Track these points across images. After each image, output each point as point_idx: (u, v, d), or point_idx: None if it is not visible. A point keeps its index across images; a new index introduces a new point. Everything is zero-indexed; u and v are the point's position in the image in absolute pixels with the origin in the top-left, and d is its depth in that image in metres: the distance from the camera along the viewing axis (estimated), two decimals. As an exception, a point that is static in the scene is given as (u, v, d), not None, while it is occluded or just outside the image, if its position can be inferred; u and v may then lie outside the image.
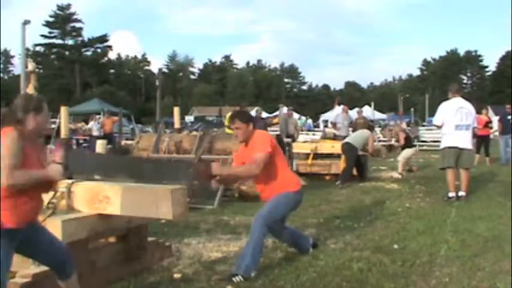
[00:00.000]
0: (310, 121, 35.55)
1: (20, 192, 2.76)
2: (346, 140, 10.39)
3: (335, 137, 14.54)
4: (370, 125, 11.60)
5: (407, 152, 11.35)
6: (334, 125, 15.58)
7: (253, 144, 4.22)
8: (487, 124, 14.41)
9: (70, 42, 78.55)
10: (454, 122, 7.63)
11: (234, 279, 3.86)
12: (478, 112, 11.85)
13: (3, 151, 2.71)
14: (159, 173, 3.49)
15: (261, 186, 4.34)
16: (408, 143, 11.73)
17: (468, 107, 7.78)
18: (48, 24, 76.42)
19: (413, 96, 68.29)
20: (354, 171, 10.49)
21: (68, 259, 3.06)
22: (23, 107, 2.84)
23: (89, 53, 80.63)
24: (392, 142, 12.09)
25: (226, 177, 4.29)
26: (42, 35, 75.86)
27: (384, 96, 79.81)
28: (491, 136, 15.20)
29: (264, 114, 23.11)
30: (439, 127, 8.03)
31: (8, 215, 2.74)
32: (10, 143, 2.74)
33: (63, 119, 11.81)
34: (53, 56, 79.01)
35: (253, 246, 4.00)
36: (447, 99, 7.99)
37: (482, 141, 13.95)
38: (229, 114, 12.52)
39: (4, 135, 2.75)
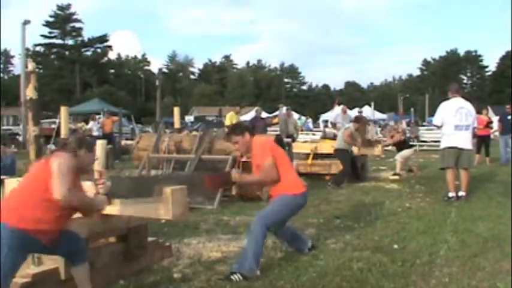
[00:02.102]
0: (310, 121, 35.51)
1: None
2: (335, 146, 10.23)
3: (335, 137, 14.54)
4: (356, 117, 11.31)
5: (405, 152, 11.31)
6: (334, 125, 15.57)
7: (255, 153, 4.36)
8: (488, 124, 14.41)
9: (70, 42, 78.53)
10: (454, 122, 7.62)
11: (232, 277, 3.87)
12: (479, 112, 11.85)
13: (64, 169, 3.04)
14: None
15: (270, 188, 4.51)
16: (404, 145, 11.63)
17: (468, 107, 7.77)
18: (48, 24, 76.40)
19: (413, 96, 68.32)
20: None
21: (79, 247, 3.29)
22: (79, 143, 3.29)
23: (89, 53, 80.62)
24: (389, 141, 12.04)
25: (246, 184, 4.55)
26: (42, 35, 76.00)
27: (384, 96, 79.84)
28: (492, 136, 15.20)
29: (264, 114, 23.11)
30: (439, 127, 8.03)
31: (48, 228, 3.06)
32: (70, 165, 3.10)
33: (63, 119, 11.82)
34: (53, 56, 78.97)
35: (255, 246, 4.02)
36: (447, 99, 7.98)
37: (482, 141, 13.96)
38: (229, 114, 12.61)
39: (64, 157, 3.12)
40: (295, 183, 4.38)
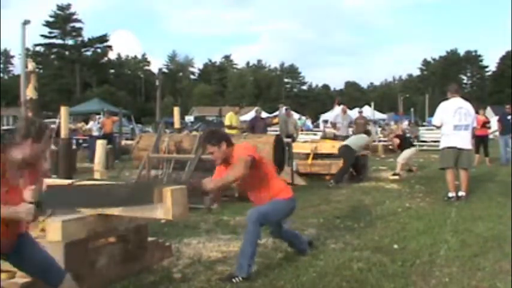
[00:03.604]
0: (309, 122, 35.44)
1: None
2: (345, 142, 10.39)
3: (335, 137, 14.54)
4: (367, 130, 11.55)
5: (406, 153, 11.32)
6: (334, 125, 15.58)
7: (235, 157, 4.09)
8: (485, 124, 14.40)
9: (70, 42, 78.58)
10: (453, 122, 7.62)
11: (233, 279, 3.86)
12: (476, 112, 11.86)
13: None
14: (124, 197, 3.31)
15: (252, 196, 4.32)
16: (404, 145, 11.67)
17: (467, 107, 7.78)
18: (48, 24, 76.43)
19: (413, 96, 68.36)
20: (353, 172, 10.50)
21: (50, 269, 2.85)
22: (22, 132, 2.61)
23: (89, 53, 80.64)
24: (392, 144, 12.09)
25: (218, 190, 4.22)
26: (42, 35, 76.06)
27: (384, 96, 79.87)
28: (491, 136, 15.19)
29: (264, 114, 23.08)
30: (438, 127, 8.04)
31: None
32: None
33: (63, 119, 11.82)
34: (53, 56, 79.01)
35: (250, 244, 4.00)
36: (446, 99, 7.99)
37: (480, 141, 13.96)
38: (228, 114, 12.62)
39: None
40: (283, 188, 4.35)
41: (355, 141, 10.34)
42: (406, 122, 27.89)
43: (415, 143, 20.53)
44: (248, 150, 4.15)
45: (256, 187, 4.24)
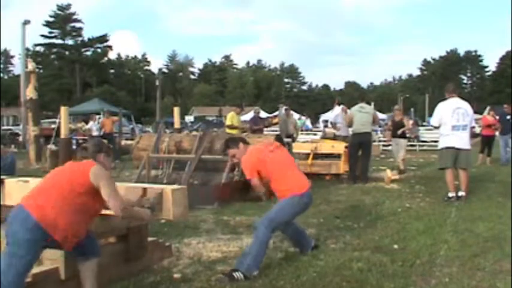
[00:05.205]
0: (308, 122, 35.36)
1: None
2: (361, 130, 10.13)
3: (335, 137, 14.52)
4: (361, 94, 11.69)
5: (402, 146, 11.51)
6: (334, 125, 15.56)
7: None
8: (491, 125, 14.38)
9: (70, 42, 78.55)
10: (451, 122, 7.62)
11: (234, 274, 3.87)
12: (477, 112, 11.88)
13: (111, 182, 3.08)
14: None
15: (273, 189, 4.48)
16: (395, 134, 12.05)
17: (465, 107, 7.77)
18: (48, 24, 76.44)
19: (413, 96, 68.43)
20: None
21: (89, 242, 3.28)
22: (98, 147, 3.32)
23: (89, 53, 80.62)
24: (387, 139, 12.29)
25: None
26: (42, 35, 76.05)
27: (384, 96, 79.90)
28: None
29: (264, 114, 23.08)
30: (437, 127, 8.04)
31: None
32: (109, 174, 3.13)
33: (63, 119, 11.83)
34: (53, 56, 79.00)
35: (257, 248, 4.04)
36: (445, 99, 7.99)
37: (487, 141, 13.95)
38: (229, 114, 12.64)
39: (105, 168, 3.15)
40: (296, 184, 4.34)
41: (364, 121, 10.08)
42: (410, 122, 27.70)
43: (415, 143, 20.60)
44: (247, 168, 4.39)
45: (272, 182, 4.40)
